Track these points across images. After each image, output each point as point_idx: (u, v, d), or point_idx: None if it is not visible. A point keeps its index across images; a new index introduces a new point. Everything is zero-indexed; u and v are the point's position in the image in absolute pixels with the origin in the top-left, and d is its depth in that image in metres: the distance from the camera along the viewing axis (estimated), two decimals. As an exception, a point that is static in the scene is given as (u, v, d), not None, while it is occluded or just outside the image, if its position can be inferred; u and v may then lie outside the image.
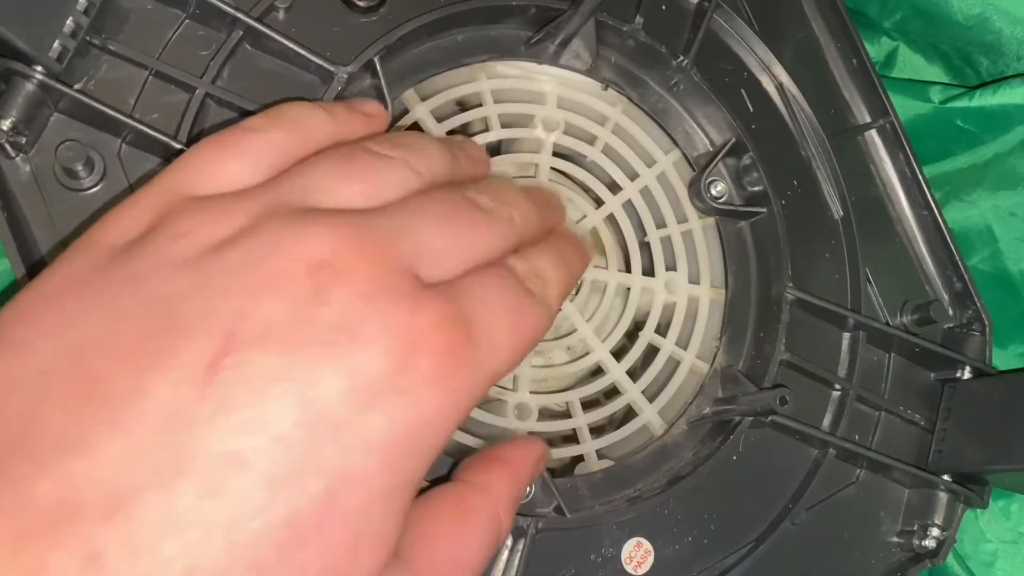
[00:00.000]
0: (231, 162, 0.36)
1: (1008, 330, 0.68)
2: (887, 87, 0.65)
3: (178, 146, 0.48)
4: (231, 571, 0.27)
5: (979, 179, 0.69)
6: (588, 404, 0.56)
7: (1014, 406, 0.58)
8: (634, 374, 0.57)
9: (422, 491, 0.39)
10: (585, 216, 0.59)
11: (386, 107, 0.52)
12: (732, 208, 0.60)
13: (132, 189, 0.48)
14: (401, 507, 0.31)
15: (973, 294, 0.63)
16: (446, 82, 0.57)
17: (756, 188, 0.60)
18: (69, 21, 0.46)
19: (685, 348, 0.58)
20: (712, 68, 0.61)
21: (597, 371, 0.58)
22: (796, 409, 0.54)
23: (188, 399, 0.28)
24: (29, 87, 0.46)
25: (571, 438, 0.55)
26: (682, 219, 0.60)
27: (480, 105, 0.57)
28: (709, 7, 0.60)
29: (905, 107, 0.71)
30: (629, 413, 0.57)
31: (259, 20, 0.50)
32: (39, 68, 0.45)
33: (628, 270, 0.59)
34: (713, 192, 0.60)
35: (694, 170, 0.61)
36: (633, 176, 0.59)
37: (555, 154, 0.58)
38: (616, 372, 0.57)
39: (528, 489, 0.50)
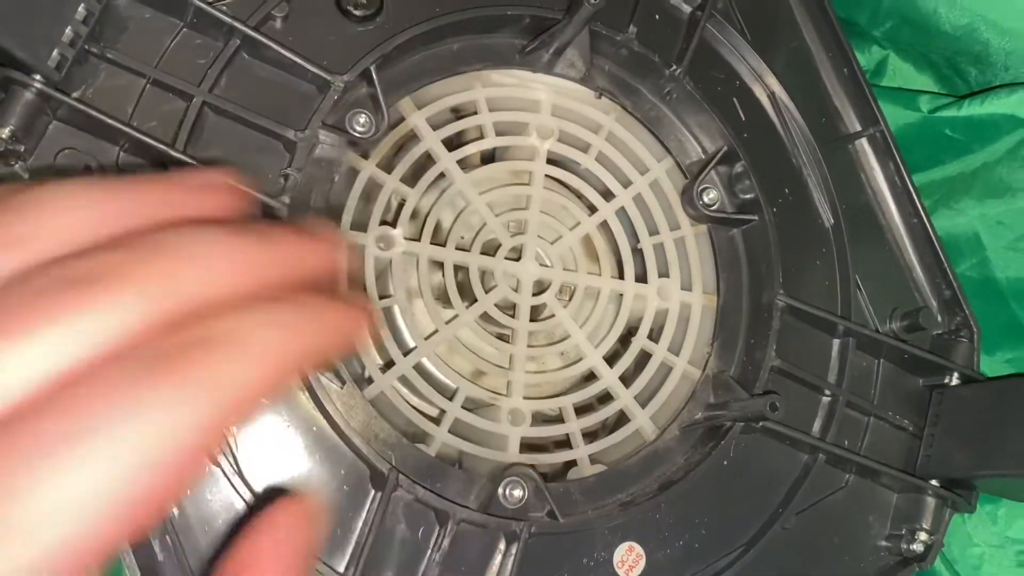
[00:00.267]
0: None
1: (995, 337, 0.69)
2: (877, 96, 0.66)
3: (176, 154, 0.48)
4: None
5: (967, 187, 0.70)
6: (581, 409, 0.57)
7: (1002, 412, 0.58)
8: (627, 380, 0.57)
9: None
10: (579, 223, 0.59)
11: (383, 115, 0.53)
12: (724, 215, 0.61)
13: (130, 196, 0.49)
14: None
15: (962, 301, 0.64)
16: (442, 90, 0.57)
17: (748, 196, 0.61)
18: (68, 30, 0.46)
19: (677, 354, 0.58)
20: (705, 77, 0.62)
21: (590, 376, 0.58)
22: (786, 415, 0.54)
23: None
24: (28, 96, 0.46)
25: (564, 443, 0.56)
26: (675, 226, 0.60)
27: (475, 113, 0.58)
28: (702, 17, 0.61)
29: (895, 116, 0.72)
30: (622, 418, 0.58)
31: (256, 29, 0.51)
32: (38, 77, 0.46)
33: (621, 276, 0.59)
34: (705, 200, 0.60)
35: (687, 178, 0.61)
36: (626, 183, 0.60)
37: (549, 161, 0.59)
38: (609, 378, 0.57)
39: (521, 493, 0.51)
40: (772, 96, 0.64)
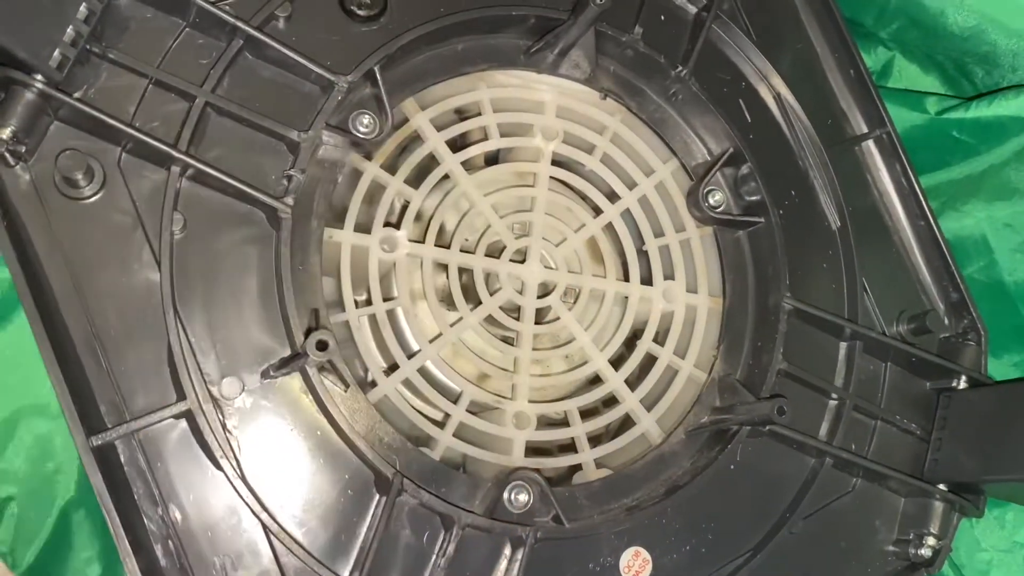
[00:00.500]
0: None
1: (1003, 340, 0.68)
2: (883, 97, 0.65)
3: (179, 155, 0.48)
4: None
5: (975, 190, 0.69)
6: (586, 413, 0.56)
7: (1010, 416, 0.58)
8: (632, 383, 0.57)
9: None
10: (584, 225, 0.59)
11: (386, 116, 0.53)
12: (730, 217, 0.60)
13: (132, 198, 0.48)
14: None
15: (969, 304, 0.64)
16: (446, 91, 0.57)
17: (754, 198, 0.61)
18: (69, 30, 0.46)
19: (683, 357, 0.58)
20: (710, 78, 0.62)
21: (595, 380, 0.58)
22: (793, 418, 0.54)
23: None
24: (29, 96, 0.45)
25: (569, 447, 0.56)
26: (680, 228, 0.60)
27: (479, 114, 0.57)
28: (708, 18, 0.61)
29: (901, 117, 0.71)
30: (627, 422, 0.57)
31: (259, 29, 0.51)
32: (39, 77, 0.45)
33: (626, 279, 0.59)
34: (711, 201, 0.60)
35: (692, 179, 0.61)
36: (631, 185, 0.60)
37: (554, 163, 0.59)
38: (614, 381, 0.57)
39: (526, 498, 0.50)
40: (778, 97, 0.63)
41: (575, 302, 0.58)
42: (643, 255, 0.59)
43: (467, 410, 0.53)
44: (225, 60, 0.50)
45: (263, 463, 0.48)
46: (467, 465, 0.54)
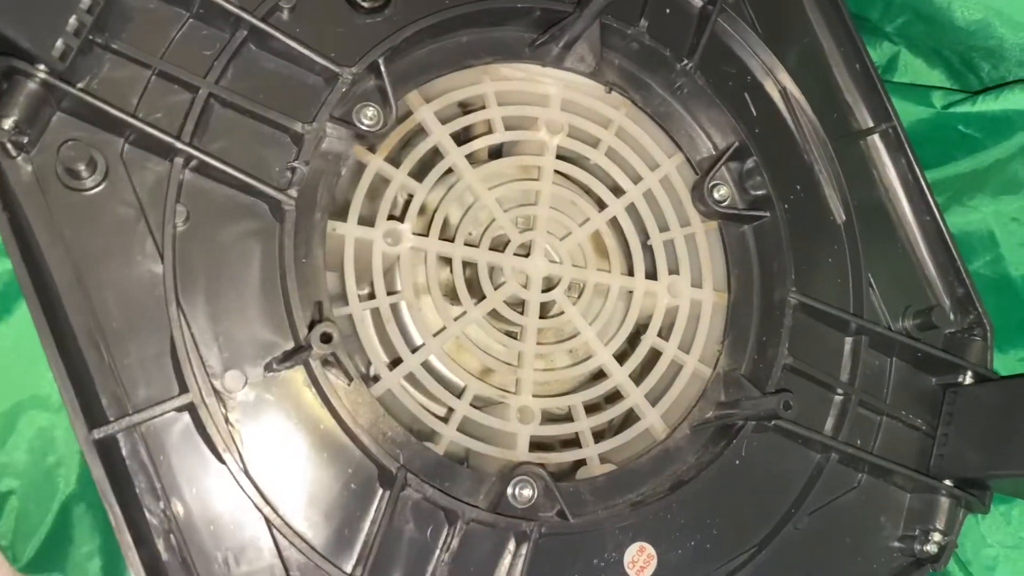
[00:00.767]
0: None
1: (1009, 335, 0.68)
2: (889, 91, 0.65)
3: (182, 146, 0.47)
4: None
5: (981, 184, 0.69)
6: (590, 408, 0.56)
7: (1016, 411, 0.58)
8: (637, 378, 0.57)
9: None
10: (588, 219, 0.58)
11: (391, 109, 0.52)
12: (735, 212, 0.60)
13: (135, 189, 0.48)
14: None
15: (975, 299, 0.63)
16: (450, 84, 0.57)
17: (759, 192, 0.60)
18: (72, 19, 0.45)
19: (688, 352, 0.57)
20: (716, 72, 0.61)
21: (599, 375, 0.58)
22: (798, 414, 0.54)
23: None
24: (31, 86, 0.45)
25: (573, 442, 0.55)
26: (685, 222, 0.60)
27: (484, 107, 0.57)
28: (713, 11, 0.60)
29: (907, 112, 0.71)
30: (631, 417, 0.57)
31: (263, 20, 0.50)
32: (42, 67, 0.45)
33: (631, 273, 0.58)
34: (716, 196, 0.59)
35: (697, 173, 0.60)
36: (636, 179, 0.59)
37: (558, 157, 0.58)
38: (619, 376, 0.56)
39: (530, 493, 0.50)
40: (784, 91, 0.63)
41: (579, 296, 0.58)
42: (648, 249, 0.59)
43: (471, 404, 0.53)
44: (229, 51, 0.50)
45: (266, 457, 0.47)
46: (471, 460, 0.53)
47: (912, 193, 0.65)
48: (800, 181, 0.62)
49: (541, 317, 0.56)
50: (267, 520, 0.47)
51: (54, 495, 0.57)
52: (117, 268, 0.47)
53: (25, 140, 0.46)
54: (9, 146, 0.46)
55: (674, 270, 0.59)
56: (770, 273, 0.60)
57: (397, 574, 0.48)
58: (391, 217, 0.54)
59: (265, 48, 0.51)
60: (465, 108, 0.58)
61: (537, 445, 0.54)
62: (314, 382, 0.48)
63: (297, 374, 0.49)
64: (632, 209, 0.59)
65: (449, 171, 0.56)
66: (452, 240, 0.55)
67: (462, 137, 0.57)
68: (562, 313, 0.57)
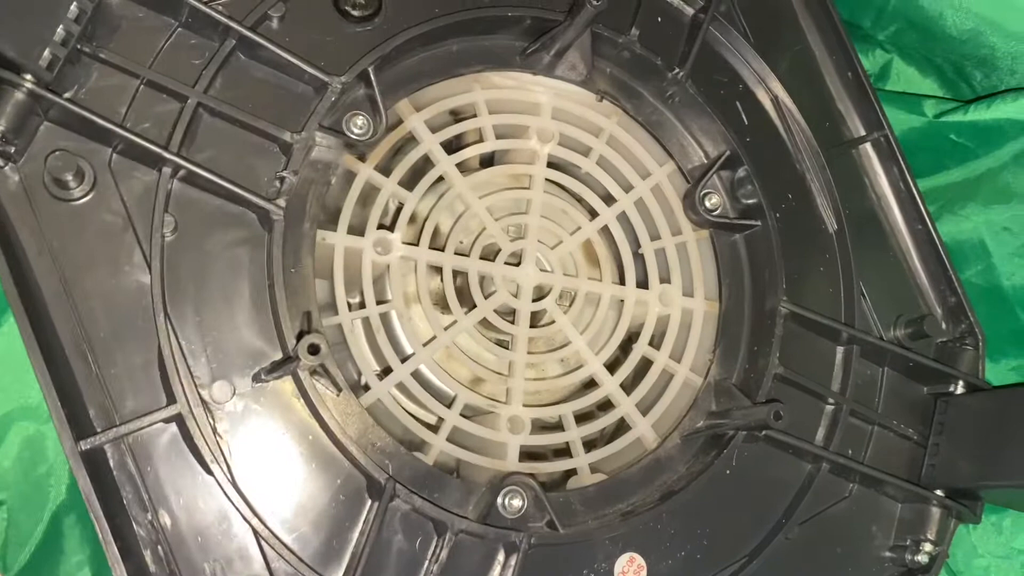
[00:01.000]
0: None
1: (1001, 344, 0.68)
2: (881, 100, 0.65)
3: (170, 156, 0.47)
4: None
5: (972, 193, 0.69)
6: (581, 417, 0.56)
7: (1007, 421, 0.58)
8: (627, 387, 0.57)
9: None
10: (579, 228, 0.58)
11: (381, 117, 0.52)
12: (726, 221, 0.60)
13: (123, 199, 0.48)
14: None
15: (966, 308, 0.63)
16: (441, 92, 0.56)
17: (750, 201, 0.60)
18: (60, 29, 0.45)
19: (679, 361, 0.57)
20: (707, 80, 0.61)
21: (590, 384, 0.57)
22: (790, 423, 0.53)
23: None
24: (18, 96, 0.45)
25: (564, 451, 0.55)
26: (676, 231, 0.60)
27: (475, 116, 0.57)
28: (705, 19, 0.60)
29: (899, 120, 0.71)
30: (622, 426, 0.57)
31: (252, 29, 0.50)
32: (29, 76, 0.45)
33: (622, 282, 0.58)
34: (707, 204, 0.59)
35: (688, 182, 0.60)
36: (628, 188, 0.59)
37: (549, 165, 0.58)
38: (609, 385, 0.56)
39: (520, 503, 0.50)
40: (775, 100, 0.63)
41: (570, 305, 0.58)
42: (639, 258, 0.59)
43: (461, 414, 0.53)
44: (218, 60, 0.50)
45: (254, 468, 0.47)
46: (461, 470, 0.53)
47: (904, 202, 0.65)
48: (792, 190, 0.62)
49: (532, 326, 0.56)
50: (255, 531, 0.46)
51: (44, 505, 0.57)
52: (104, 278, 0.47)
53: (12, 150, 0.46)
54: (-4, 156, 0.46)
55: (665, 279, 0.59)
56: (761, 282, 0.60)
57: (385, 586, 0.48)
58: (381, 226, 0.54)
59: (254, 57, 0.51)
60: (456, 116, 0.58)
61: (527, 455, 0.54)
62: (303, 393, 0.48)
63: (286, 384, 0.49)
64: (623, 218, 0.59)
65: (440, 180, 0.56)
66: (443, 249, 0.55)
67: (453, 145, 0.57)
68: (553, 322, 0.57)
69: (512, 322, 0.56)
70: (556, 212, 0.59)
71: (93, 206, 0.48)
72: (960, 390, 0.62)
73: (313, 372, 0.48)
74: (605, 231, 0.59)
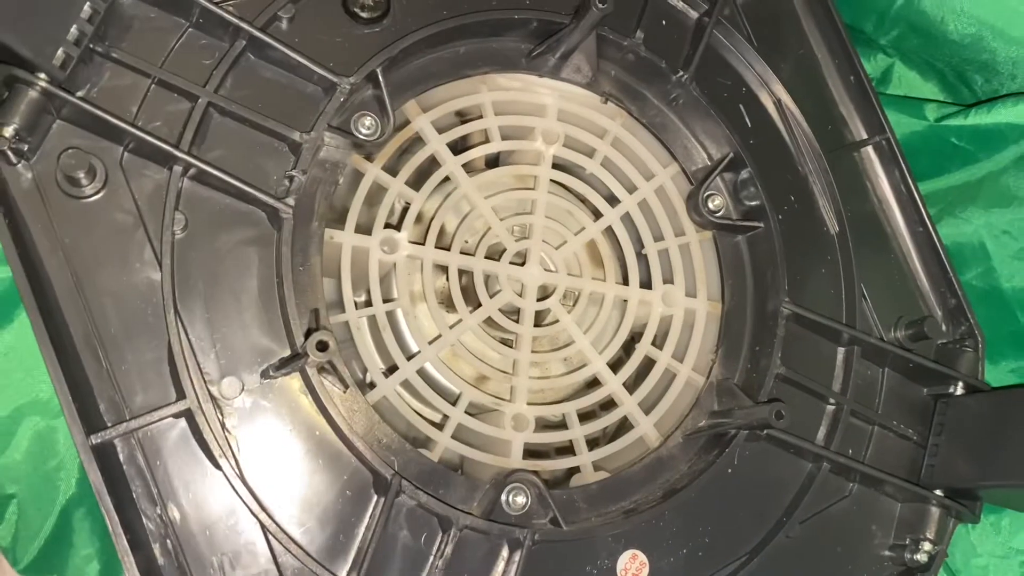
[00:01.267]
0: None
1: (1000, 346, 0.69)
2: (883, 104, 0.66)
3: (181, 155, 0.48)
4: None
5: (973, 196, 0.70)
6: (584, 416, 0.56)
7: (1006, 422, 0.58)
8: (630, 386, 0.57)
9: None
10: (584, 228, 0.59)
11: (388, 118, 0.53)
12: (729, 222, 0.60)
13: (134, 197, 0.49)
14: None
15: (966, 310, 0.64)
16: (447, 93, 0.57)
17: (753, 203, 0.61)
18: (73, 29, 0.46)
19: (681, 361, 0.58)
20: (711, 83, 0.62)
21: (594, 383, 0.58)
22: (791, 423, 0.54)
23: None
24: (32, 94, 0.46)
25: (567, 449, 0.56)
26: (680, 232, 0.60)
27: (481, 117, 0.57)
28: (709, 23, 0.61)
29: (900, 124, 0.72)
30: (625, 425, 0.57)
31: (262, 30, 0.51)
32: (42, 75, 0.45)
33: (626, 282, 0.59)
34: (711, 206, 0.60)
35: (692, 184, 0.61)
36: (632, 189, 0.60)
37: (555, 166, 0.59)
38: (613, 384, 0.57)
39: (524, 500, 0.50)
40: (778, 103, 0.63)
41: (574, 305, 0.58)
42: (642, 259, 0.60)
43: (466, 412, 0.53)
44: (228, 61, 0.50)
45: (262, 463, 0.48)
46: (465, 467, 0.54)
47: (905, 205, 0.65)
48: (794, 192, 0.63)
49: (536, 325, 0.57)
50: (262, 525, 0.47)
51: (54, 499, 0.58)
52: (115, 275, 0.48)
53: (25, 148, 0.46)
54: (10, 153, 0.46)
55: (668, 279, 0.59)
56: (764, 283, 0.60)
57: (391, 580, 0.49)
58: (388, 225, 0.54)
59: (264, 58, 0.52)
60: (462, 117, 0.59)
61: (531, 452, 0.54)
62: (310, 389, 0.49)
63: (293, 381, 0.49)
64: (627, 219, 0.60)
65: (446, 180, 0.56)
66: (448, 248, 0.56)
67: (459, 146, 0.57)
68: (557, 321, 0.57)
69: (516, 321, 0.56)
70: (561, 213, 0.59)
71: (105, 204, 0.48)
72: (960, 391, 0.62)
73: (321, 369, 0.48)
74: (609, 232, 0.60)
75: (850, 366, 0.60)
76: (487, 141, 0.58)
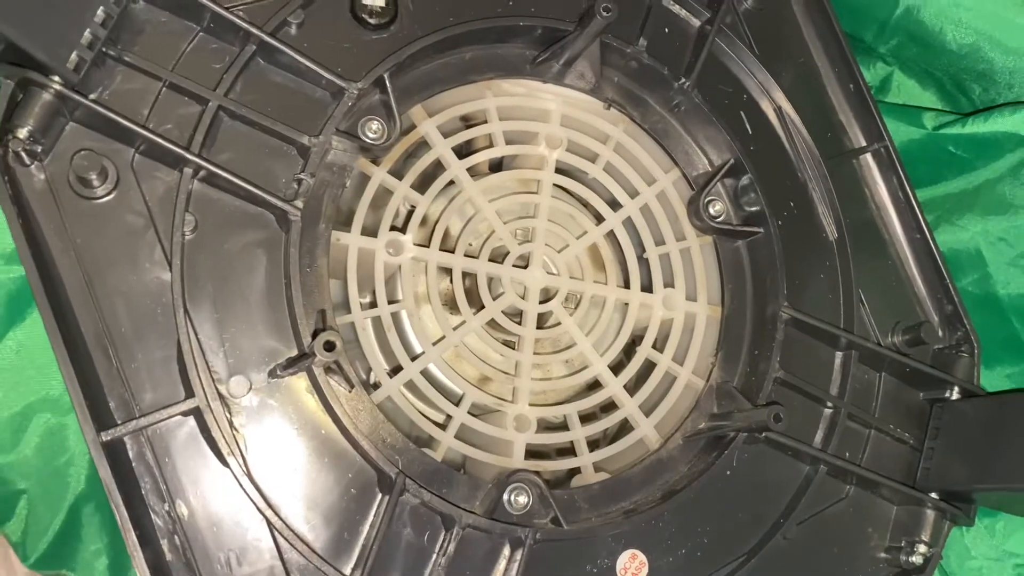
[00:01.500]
0: None
1: (996, 352, 0.69)
2: (882, 112, 0.66)
3: (191, 157, 0.49)
4: None
5: (970, 204, 0.70)
6: (585, 417, 0.57)
7: (1001, 426, 0.59)
8: (631, 389, 0.58)
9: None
10: (586, 232, 0.60)
11: (395, 123, 0.53)
12: (730, 227, 0.61)
13: (144, 198, 0.49)
14: None
15: (963, 316, 0.65)
16: (453, 98, 0.58)
17: (753, 208, 0.62)
18: (87, 33, 0.47)
19: (681, 364, 0.59)
20: (713, 90, 0.63)
21: (595, 385, 0.59)
22: (789, 426, 0.55)
23: None
24: (46, 97, 0.46)
25: (568, 450, 0.56)
26: (680, 237, 0.61)
27: (485, 122, 0.58)
28: (711, 31, 0.62)
29: (899, 132, 0.72)
30: (625, 427, 0.58)
31: (272, 35, 0.52)
32: (56, 78, 0.46)
33: (627, 286, 0.60)
34: (711, 211, 0.61)
35: (693, 189, 0.62)
36: (633, 194, 0.60)
37: (557, 171, 0.60)
38: (613, 386, 0.57)
39: (526, 500, 0.51)
40: (779, 110, 0.64)
41: (576, 308, 0.59)
42: (644, 263, 0.60)
43: (468, 412, 0.54)
44: (238, 65, 0.51)
45: (269, 461, 0.49)
46: (468, 466, 0.55)
47: (903, 212, 0.66)
48: (794, 198, 0.63)
49: (538, 328, 0.57)
50: (269, 522, 0.48)
51: (64, 495, 0.58)
52: (126, 275, 0.49)
53: (39, 149, 0.47)
54: (23, 154, 0.47)
55: (669, 283, 0.60)
56: (763, 288, 0.61)
57: (395, 577, 0.49)
58: (393, 228, 0.55)
59: (273, 62, 0.52)
60: (467, 122, 0.59)
61: (533, 453, 0.55)
62: (316, 388, 0.49)
63: (300, 380, 0.50)
64: (629, 223, 0.60)
65: (450, 183, 0.57)
66: (452, 251, 0.56)
67: (464, 151, 0.58)
68: (559, 324, 0.58)
69: (519, 323, 0.57)
70: (563, 217, 0.60)
71: (116, 205, 0.49)
72: (955, 396, 0.63)
73: (327, 369, 0.49)
74: (611, 236, 0.60)
75: (848, 370, 0.61)
76: (491, 145, 0.58)
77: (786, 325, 0.60)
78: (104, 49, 0.48)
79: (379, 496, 0.50)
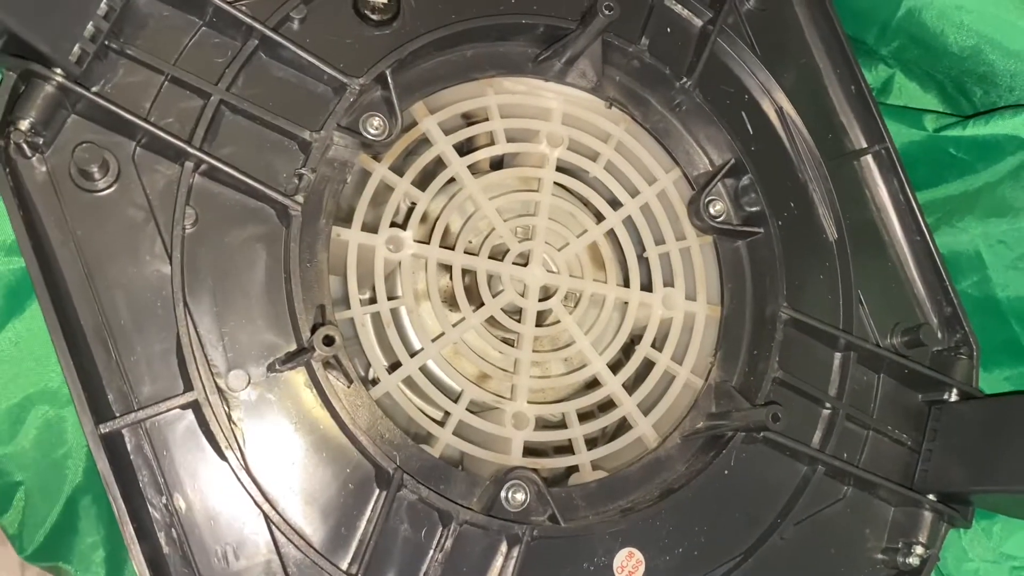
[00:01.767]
0: None
1: (995, 354, 0.69)
2: (883, 113, 0.66)
3: (192, 151, 0.49)
4: None
5: (970, 206, 0.70)
6: (584, 416, 0.57)
7: (999, 429, 0.59)
8: (630, 387, 0.58)
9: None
10: (586, 231, 0.60)
11: (396, 119, 0.54)
12: (730, 227, 0.61)
13: (145, 191, 0.49)
14: None
15: (962, 318, 0.65)
16: (454, 96, 0.58)
17: (754, 208, 0.62)
18: (90, 26, 0.47)
19: (680, 363, 0.59)
20: (714, 90, 0.63)
21: (594, 383, 0.59)
22: (787, 426, 0.55)
23: None
24: (48, 89, 0.47)
25: (566, 448, 0.56)
26: (680, 236, 0.61)
27: (487, 119, 0.58)
28: (713, 31, 0.62)
29: (900, 134, 0.73)
30: (623, 425, 0.58)
31: (274, 30, 0.52)
32: (58, 70, 0.46)
33: (627, 284, 0.60)
34: (712, 211, 0.61)
35: (694, 189, 0.62)
36: (634, 193, 0.61)
37: (558, 169, 0.60)
38: (612, 385, 0.57)
39: (523, 497, 0.51)
40: (780, 111, 0.64)
41: (576, 306, 0.59)
42: (644, 262, 0.60)
43: (467, 409, 0.54)
44: (240, 59, 0.51)
45: (266, 455, 0.49)
46: (466, 463, 0.55)
47: (903, 213, 0.66)
48: (794, 199, 0.63)
49: (537, 325, 0.57)
50: (266, 517, 0.48)
51: (61, 487, 0.58)
52: (126, 268, 0.49)
53: (40, 141, 0.47)
54: (25, 146, 0.47)
55: (669, 283, 0.60)
56: (763, 288, 0.61)
57: (392, 573, 0.49)
58: (394, 224, 0.55)
59: (275, 57, 0.52)
60: (468, 120, 0.59)
61: (531, 451, 0.55)
62: (315, 383, 0.49)
63: (299, 375, 0.50)
64: (629, 222, 0.60)
65: (451, 181, 0.57)
66: (452, 248, 0.56)
67: (465, 148, 0.58)
68: (558, 322, 0.58)
69: (518, 321, 0.57)
70: (564, 215, 0.60)
71: (117, 197, 0.49)
72: (954, 398, 0.63)
73: (326, 364, 0.49)
74: (611, 234, 0.60)
75: (846, 371, 0.61)
76: (493, 143, 0.58)
77: (785, 325, 0.60)
78: (107, 42, 0.48)
79: (377, 492, 0.50)
